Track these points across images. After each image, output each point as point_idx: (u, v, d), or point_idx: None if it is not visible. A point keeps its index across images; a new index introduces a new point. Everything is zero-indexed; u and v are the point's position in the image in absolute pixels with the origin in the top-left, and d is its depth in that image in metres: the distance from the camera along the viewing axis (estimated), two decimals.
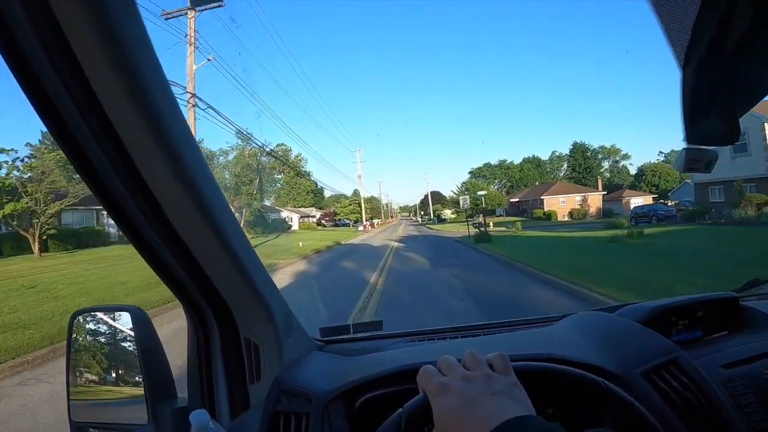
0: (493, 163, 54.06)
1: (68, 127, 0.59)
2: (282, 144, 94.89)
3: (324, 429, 0.81)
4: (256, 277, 0.89)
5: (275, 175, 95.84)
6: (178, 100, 0.66)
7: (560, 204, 45.88)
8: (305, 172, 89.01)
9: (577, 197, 46.77)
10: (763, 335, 1.05)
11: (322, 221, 61.33)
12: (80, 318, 0.93)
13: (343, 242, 23.50)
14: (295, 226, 54.77)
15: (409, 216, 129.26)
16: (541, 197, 47.61)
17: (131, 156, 0.61)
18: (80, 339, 0.93)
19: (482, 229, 18.26)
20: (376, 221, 74.08)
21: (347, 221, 56.91)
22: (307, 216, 61.19)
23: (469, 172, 58.34)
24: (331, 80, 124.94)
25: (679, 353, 0.90)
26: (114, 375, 0.92)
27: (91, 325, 0.95)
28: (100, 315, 0.95)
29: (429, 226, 49.21)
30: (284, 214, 56.50)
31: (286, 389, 0.90)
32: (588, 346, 0.93)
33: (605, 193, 49.06)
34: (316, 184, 68.86)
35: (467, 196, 18.87)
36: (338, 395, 0.84)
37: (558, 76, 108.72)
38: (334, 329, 1.40)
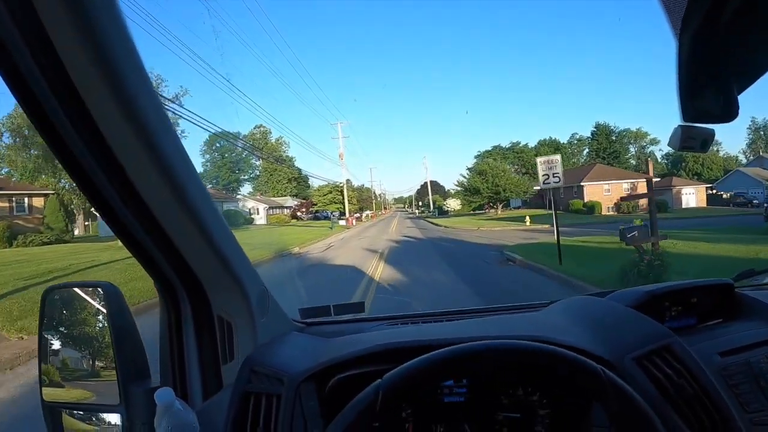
0: (504, 146, 43.16)
1: (45, 110, 0.62)
2: (260, 126, 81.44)
3: (295, 411, 0.81)
4: (229, 254, 0.89)
5: (253, 161, 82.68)
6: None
7: (604, 193, 37.08)
8: (287, 157, 78.31)
9: (624, 184, 37.34)
10: (759, 323, 1.05)
11: (299, 213, 54.40)
12: (54, 294, 0.90)
13: (293, 251, 15.83)
14: (261, 220, 49.15)
15: (404, 207, 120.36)
16: (581, 184, 38.31)
17: (98, 125, 0.64)
18: (53, 316, 0.90)
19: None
20: (367, 213, 68.38)
21: (327, 214, 49.84)
22: (280, 207, 54.92)
23: (476, 156, 46.25)
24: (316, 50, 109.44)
25: (673, 339, 0.89)
26: (87, 354, 0.89)
27: (64, 302, 0.91)
28: (73, 291, 0.92)
29: (429, 219, 43.13)
30: (249, 203, 51.05)
31: (257, 369, 0.89)
32: (578, 331, 0.92)
33: (658, 179, 39.60)
34: (300, 171, 61.29)
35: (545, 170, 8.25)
36: (310, 376, 0.84)
37: (575, 47, 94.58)
38: (315, 310, 1.38)
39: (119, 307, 0.85)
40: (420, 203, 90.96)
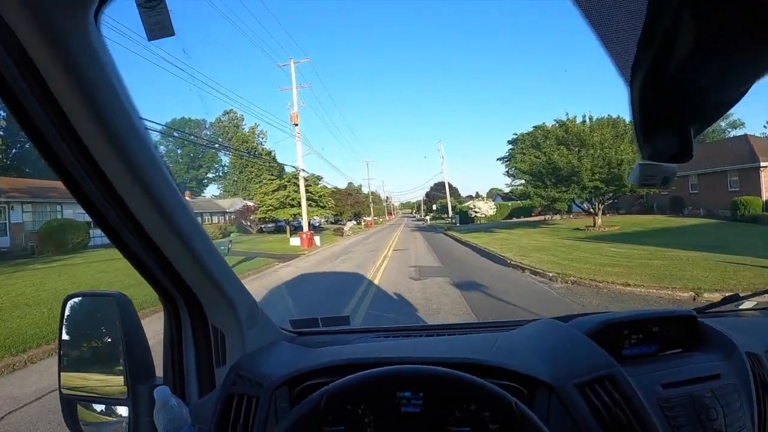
0: (547, 125, 27.30)
1: (48, 142, 0.72)
2: (230, 111, 63.82)
3: (269, 412, 0.93)
4: (216, 273, 1.04)
5: (221, 156, 65.22)
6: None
7: None
8: (263, 150, 64.79)
9: None
10: (714, 356, 1.08)
11: (244, 221, 40.68)
12: (72, 301, 1.07)
13: None
14: None
15: (412, 213, 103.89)
16: (760, 165, 22.78)
17: (96, 161, 0.74)
18: (72, 320, 1.06)
19: None
20: (367, 220, 57.90)
21: (283, 223, 36.54)
22: (216, 212, 44.50)
23: (510, 141, 28.08)
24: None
25: (616, 369, 0.95)
26: (100, 354, 1.05)
27: (81, 308, 1.08)
28: (89, 299, 1.12)
29: (452, 233, 27.96)
30: None
31: (242, 374, 1.02)
32: (531, 355, 1.00)
33: None
34: (281, 167, 46.82)
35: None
36: (285, 382, 0.97)
37: None
38: (304, 322, 1.57)
39: (129, 315, 1.01)
40: (433, 207, 71.16)
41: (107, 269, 14.51)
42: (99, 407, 1.04)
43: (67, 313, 1.06)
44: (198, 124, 68.11)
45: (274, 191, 34.32)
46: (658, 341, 1.14)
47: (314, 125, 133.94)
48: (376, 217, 74.16)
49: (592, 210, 22.53)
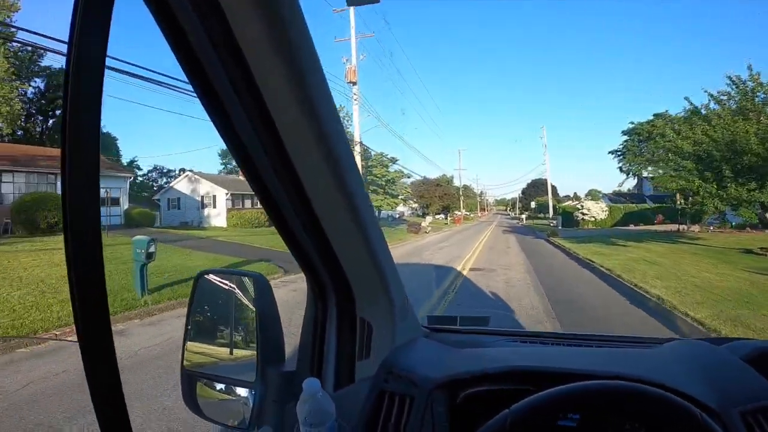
0: (671, 114, 19.26)
1: (228, 115, 0.70)
2: None
3: (425, 414, 0.89)
4: (383, 263, 1.03)
5: None
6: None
7: None
8: None
9: None
10: None
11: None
12: (205, 278, 1.07)
13: None
14: (218, 219, 29.35)
15: (506, 210, 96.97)
16: None
17: (282, 137, 0.73)
18: (202, 297, 1.07)
19: None
20: (457, 214, 51.46)
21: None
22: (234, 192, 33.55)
23: (626, 132, 19.74)
24: None
25: None
26: (228, 334, 1.06)
27: (214, 286, 1.08)
28: (223, 277, 1.10)
29: (557, 239, 22.35)
30: (204, 186, 31.46)
31: (393, 371, 0.99)
32: (686, 375, 0.94)
33: None
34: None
35: None
36: (442, 384, 0.93)
37: None
38: (441, 319, 1.65)
39: (266, 297, 1.00)
40: (531, 205, 63.10)
41: (40, 263, 11.48)
42: (219, 386, 1.05)
43: (198, 289, 1.06)
44: None
45: None
46: None
47: (392, 103, 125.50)
48: (467, 213, 68.07)
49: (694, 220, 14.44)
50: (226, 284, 1.07)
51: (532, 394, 0.77)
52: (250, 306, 1.01)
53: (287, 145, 0.73)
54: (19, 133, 31.46)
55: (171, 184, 34.90)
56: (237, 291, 1.04)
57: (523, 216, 58.93)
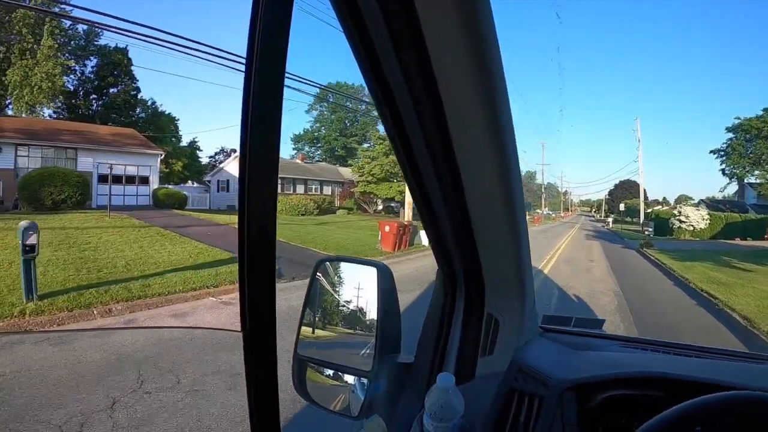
0: None
1: (395, 102, 0.70)
2: None
3: (555, 415, 0.88)
4: (525, 259, 1.01)
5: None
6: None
7: None
8: None
9: None
10: None
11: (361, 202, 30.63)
12: (324, 264, 1.07)
13: None
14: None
15: (591, 212, 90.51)
16: None
17: (449, 127, 0.72)
18: (321, 283, 1.07)
19: None
20: (537, 213, 49.65)
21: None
22: (320, 180, 32.92)
23: (730, 129, 14.25)
24: None
25: None
26: (345, 321, 1.05)
27: (333, 273, 1.08)
28: (344, 265, 1.10)
29: (653, 253, 17.62)
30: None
31: (523, 369, 0.98)
32: None
33: None
34: None
35: None
36: (573, 386, 0.91)
37: None
38: (556, 318, 1.51)
39: (389, 286, 0.98)
40: (620, 207, 56.03)
41: None
42: (327, 372, 1.04)
43: (318, 275, 1.05)
44: (356, 90, 64.60)
45: (386, 154, 24.44)
46: None
47: None
48: (550, 212, 62.25)
49: None
50: (346, 272, 1.07)
51: (662, 402, 0.74)
52: (370, 295, 0.99)
53: (452, 132, 0.71)
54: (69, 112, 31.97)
55: (221, 165, 33.49)
56: (357, 279, 1.03)
57: (609, 219, 53.17)
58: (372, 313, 0.98)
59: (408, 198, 18.83)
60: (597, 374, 0.92)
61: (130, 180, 22.44)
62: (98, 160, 20.61)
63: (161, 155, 24.67)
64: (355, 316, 1.02)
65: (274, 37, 0.50)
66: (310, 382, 1.03)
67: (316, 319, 1.06)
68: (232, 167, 31.11)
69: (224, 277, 9.33)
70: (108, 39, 32.23)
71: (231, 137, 54.78)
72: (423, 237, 16.91)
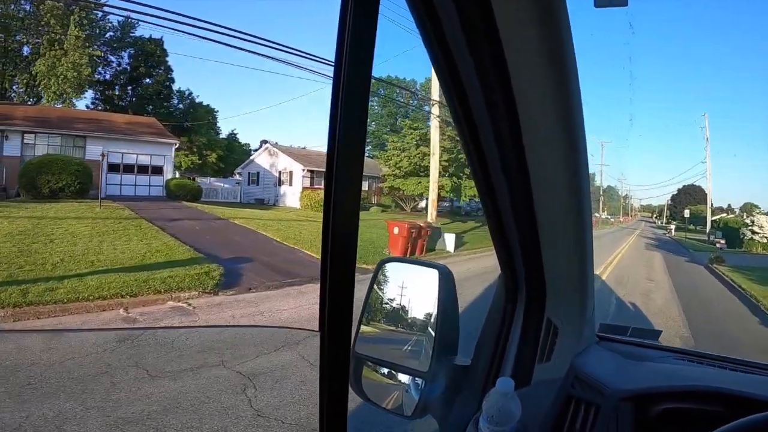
0: None
1: (468, 101, 0.71)
2: None
3: (611, 425, 0.88)
4: (589, 266, 1.01)
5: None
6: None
7: None
8: None
9: None
10: None
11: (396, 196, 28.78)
12: (386, 265, 1.09)
13: None
14: (292, 197, 25.76)
15: (652, 218, 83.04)
16: None
17: (521, 129, 0.71)
18: (382, 283, 1.08)
19: None
20: (596, 216, 43.83)
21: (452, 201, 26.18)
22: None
23: None
24: None
25: None
26: (402, 321, 1.06)
27: (394, 274, 1.09)
28: (405, 266, 1.13)
29: (726, 271, 13.26)
30: (281, 161, 27.59)
31: (580, 377, 0.98)
32: None
33: None
34: None
35: None
36: (630, 397, 0.91)
37: None
38: (613, 327, 1.46)
39: (449, 289, 0.98)
40: (685, 213, 50.90)
41: None
42: (383, 370, 1.06)
43: (379, 276, 1.07)
44: (408, 84, 62.74)
45: (417, 145, 21.95)
46: None
47: None
48: (608, 216, 58.02)
49: None
50: (407, 273, 1.08)
51: (720, 418, 0.72)
52: (429, 296, 0.99)
53: (524, 131, 0.71)
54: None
55: (251, 157, 32.28)
56: (418, 280, 1.04)
57: (672, 226, 47.47)
58: (430, 315, 0.98)
59: (432, 195, 16.63)
60: (654, 386, 0.91)
61: (143, 170, 21.66)
62: (108, 149, 19.74)
63: (175, 144, 23.55)
64: (413, 317, 1.03)
65: (362, 44, 0.52)
66: (366, 379, 1.04)
67: (375, 317, 1.07)
68: (262, 159, 30.04)
69: (155, 284, 8.07)
70: (146, 30, 31.96)
71: (271, 128, 54.28)
72: (448, 241, 14.85)
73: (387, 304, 1.07)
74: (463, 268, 10.27)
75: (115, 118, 24.29)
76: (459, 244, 15.39)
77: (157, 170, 22.11)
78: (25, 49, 26.45)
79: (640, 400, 0.88)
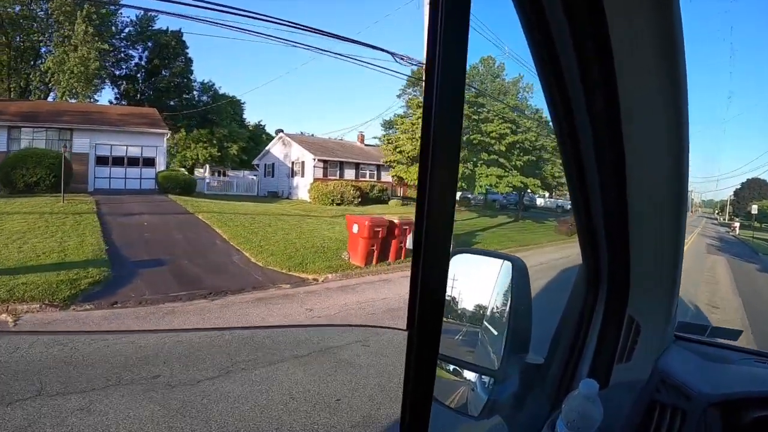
0: None
1: (570, 104, 0.70)
2: (488, 57, 54.85)
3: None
4: (679, 259, 0.96)
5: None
6: None
7: None
8: (525, 106, 49.41)
9: None
10: None
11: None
12: (458, 257, 1.02)
13: None
14: (302, 190, 23.73)
15: (714, 214, 74.61)
16: None
17: (620, 116, 0.69)
18: (454, 276, 1.01)
19: None
20: None
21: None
22: (345, 162, 26.51)
23: None
24: None
25: None
26: (471, 316, 1.00)
27: (465, 266, 1.01)
28: (478, 258, 1.05)
29: None
30: (294, 151, 25.30)
31: (665, 380, 0.93)
32: None
33: None
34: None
35: None
36: (718, 402, 0.86)
37: None
38: (691, 326, 1.39)
39: (523, 283, 0.94)
40: (752, 209, 45.32)
41: None
42: (448, 366, 0.99)
43: (451, 268, 0.98)
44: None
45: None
46: None
47: None
48: None
49: None
50: (479, 265, 1.01)
51: None
52: (501, 290, 0.93)
53: (623, 119, 0.68)
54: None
55: (267, 147, 30.08)
56: (489, 273, 0.97)
57: (736, 224, 41.92)
58: (501, 310, 0.93)
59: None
60: (744, 391, 0.86)
61: (134, 162, 20.43)
62: (96, 141, 18.83)
63: (167, 134, 22.03)
64: (482, 311, 0.96)
65: (455, 47, 0.51)
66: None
67: (446, 313, 0.99)
68: (276, 149, 28.07)
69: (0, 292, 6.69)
70: (163, 22, 31.48)
71: (297, 117, 52.27)
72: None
73: (454, 298, 0.99)
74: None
75: (108, 110, 23.66)
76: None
77: (149, 162, 20.83)
78: (43, 49, 26.74)
79: (730, 407, 0.83)
